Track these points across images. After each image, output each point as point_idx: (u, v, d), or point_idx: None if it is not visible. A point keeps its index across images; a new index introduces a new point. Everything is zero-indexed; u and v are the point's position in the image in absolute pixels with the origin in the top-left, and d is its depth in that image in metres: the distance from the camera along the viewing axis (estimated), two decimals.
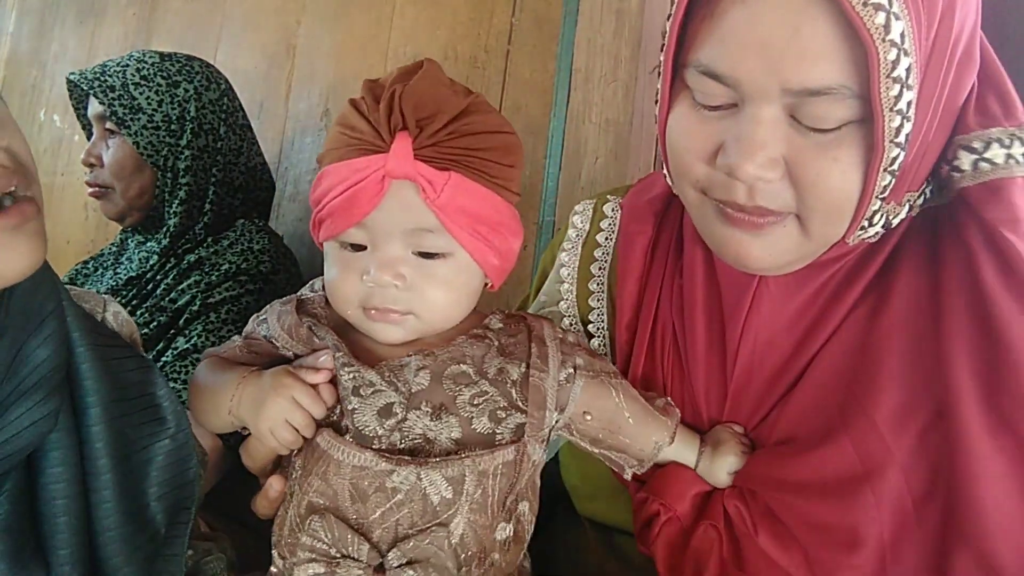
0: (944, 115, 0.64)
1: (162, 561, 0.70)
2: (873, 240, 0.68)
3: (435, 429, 0.66)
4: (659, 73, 0.70)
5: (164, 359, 1.23)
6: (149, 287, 1.33)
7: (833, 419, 0.67)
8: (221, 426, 0.74)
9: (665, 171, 0.74)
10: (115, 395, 0.68)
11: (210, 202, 1.36)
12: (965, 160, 0.64)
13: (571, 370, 0.71)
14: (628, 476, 0.75)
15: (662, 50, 0.68)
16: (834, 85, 0.58)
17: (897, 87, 0.57)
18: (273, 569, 0.69)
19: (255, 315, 0.77)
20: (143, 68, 1.35)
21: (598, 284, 0.86)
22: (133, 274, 1.35)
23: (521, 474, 0.67)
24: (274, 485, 0.69)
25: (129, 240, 1.46)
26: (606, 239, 0.88)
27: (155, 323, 1.26)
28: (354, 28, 1.82)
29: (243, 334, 0.77)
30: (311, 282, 0.79)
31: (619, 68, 1.51)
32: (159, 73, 1.36)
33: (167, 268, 1.34)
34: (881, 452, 0.64)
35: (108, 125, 1.35)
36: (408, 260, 0.67)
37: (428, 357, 0.68)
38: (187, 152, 1.34)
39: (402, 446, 0.65)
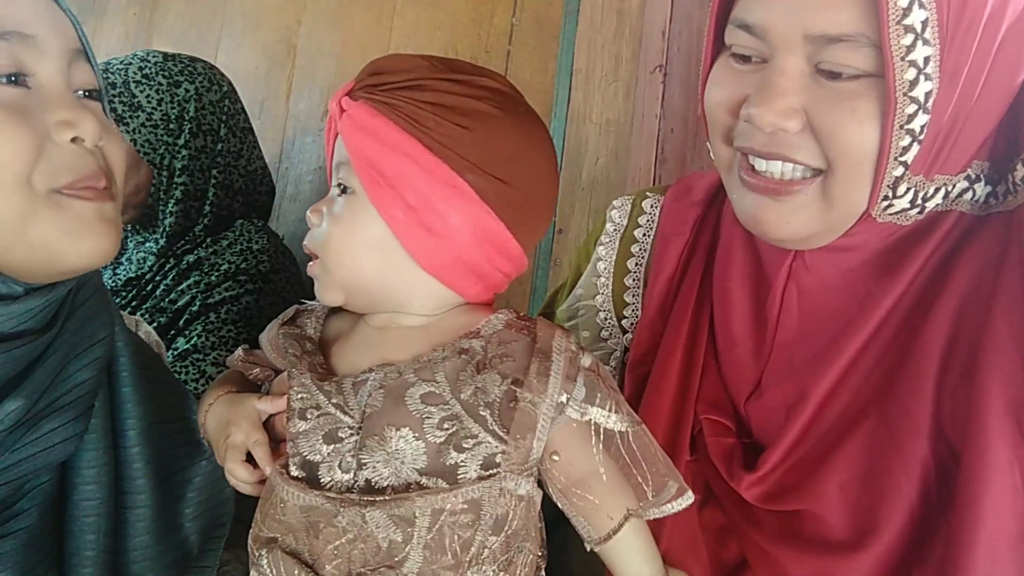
0: (991, 91, 0.63)
1: (193, 572, 0.71)
2: (905, 223, 0.67)
3: (396, 459, 0.59)
4: (705, 36, 0.73)
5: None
6: (148, 288, 1.33)
7: (877, 429, 0.65)
8: (205, 441, 0.73)
9: (708, 138, 0.75)
10: (154, 418, 0.70)
11: (210, 204, 1.36)
12: (1021, 172, 0.64)
13: (564, 398, 0.61)
14: (587, 548, 0.66)
15: (709, 10, 0.72)
16: (852, 32, 0.60)
17: (910, 36, 0.58)
18: None
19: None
20: (145, 67, 1.35)
21: (634, 280, 0.86)
22: (132, 275, 1.35)
23: (498, 514, 0.59)
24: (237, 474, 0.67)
25: (128, 240, 1.46)
26: (644, 235, 0.88)
27: (155, 324, 1.26)
28: (355, 28, 1.82)
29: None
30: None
31: (620, 68, 1.51)
32: (161, 72, 1.35)
33: (166, 269, 1.34)
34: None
35: None
36: (332, 197, 0.66)
37: (391, 375, 0.62)
38: (184, 152, 1.33)
39: (354, 478, 0.60)
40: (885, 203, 0.64)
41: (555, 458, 0.62)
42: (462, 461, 0.59)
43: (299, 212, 1.81)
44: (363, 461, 0.59)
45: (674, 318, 0.79)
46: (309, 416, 0.62)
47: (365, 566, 0.58)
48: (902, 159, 0.62)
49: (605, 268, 0.88)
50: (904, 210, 0.65)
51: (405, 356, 0.63)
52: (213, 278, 1.29)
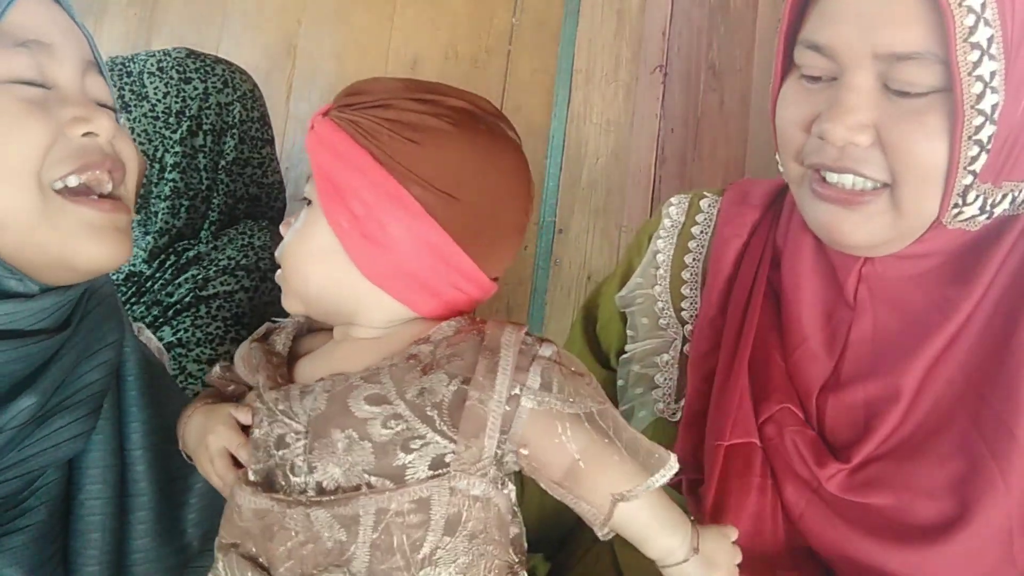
0: None
1: (192, 572, 0.72)
2: (973, 228, 0.69)
3: (345, 460, 0.60)
4: (775, 55, 0.75)
5: None
6: (148, 284, 1.32)
7: (967, 432, 0.66)
8: (185, 454, 0.74)
9: (776, 154, 0.77)
10: (158, 423, 0.72)
11: (217, 211, 1.35)
12: None
13: (518, 390, 0.60)
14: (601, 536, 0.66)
15: (778, 32, 0.74)
16: (920, 50, 0.62)
17: (976, 53, 0.61)
18: None
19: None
20: (165, 60, 1.35)
21: (691, 274, 0.89)
22: (133, 270, 1.35)
23: (451, 514, 0.59)
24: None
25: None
26: (701, 232, 0.90)
27: (149, 317, 1.25)
28: (355, 28, 1.82)
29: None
30: None
31: (620, 68, 1.51)
32: (176, 67, 1.35)
33: (166, 265, 1.33)
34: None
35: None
36: (299, 207, 0.69)
37: (339, 382, 0.62)
38: (178, 148, 1.32)
39: (305, 482, 0.60)
40: (955, 211, 0.66)
41: (524, 452, 0.61)
42: (410, 462, 0.59)
43: None
44: (313, 464, 0.60)
45: (738, 317, 0.81)
46: (262, 423, 0.63)
47: (316, 567, 0.59)
48: (970, 168, 0.64)
49: (664, 260, 0.91)
50: (973, 216, 0.68)
51: (357, 367, 0.64)
52: (211, 272, 1.27)
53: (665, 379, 0.85)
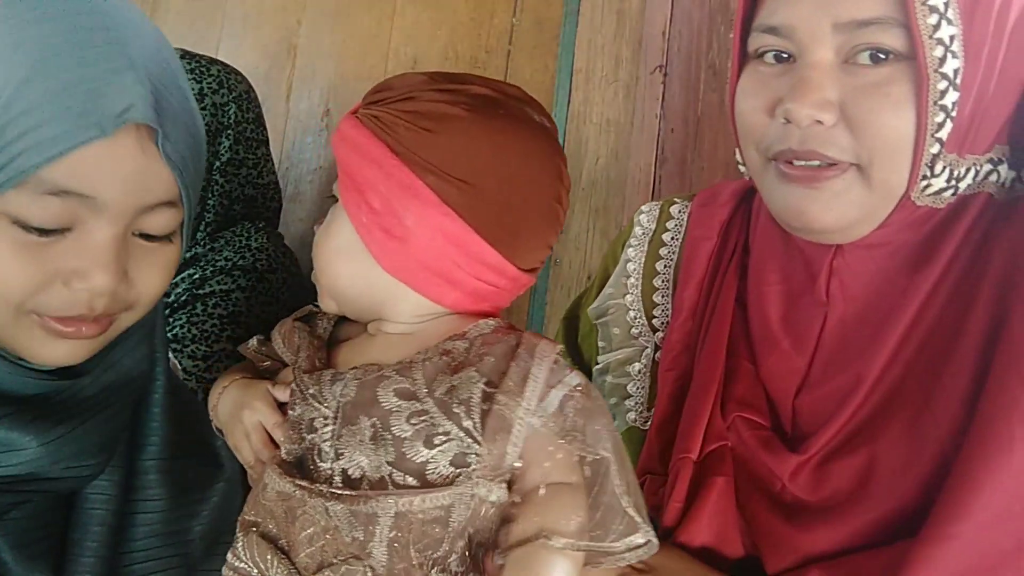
0: (1007, 71, 0.65)
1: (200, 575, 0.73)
2: (939, 205, 0.68)
3: (369, 449, 0.59)
4: (730, 51, 0.76)
5: None
6: None
7: (922, 415, 0.66)
8: (215, 427, 0.75)
9: (737, 148, 0.76)
10: (177, 439, 0.73)
11: (212, 211, 1.35)
12: None
13: (534, 404, 0.59)
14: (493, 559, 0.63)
15: (732, 28, 0.75)
16: (881, 15, 0.63)
17: (935, 16, 0.62)
18: None
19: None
20: None
21: (663, 281, 0.88)
22: None
23: (468, 519, 0.58)
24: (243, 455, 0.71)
25: None
26: (672, 239, 0.90)
27: None
28: (355, 28, 1.82)
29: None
30: None
31: (620, 68, 1.51)
32: None
33: None
34: None
35: None
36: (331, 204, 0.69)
37: (371, 371, 0.62)
38: None
39: (331, 468, 0.60)
40: (924, 183, 0.66)
41: (517, 465, 0.59)
42: (432, 458, 0.58)
43: (300, 212, 1.81)
44: (340, 451, 0.61)
45: (713, 323, 0.80)
46: (296, 406, 0.64)
47: (337, 555, 0.59)
48: (937, 135, 0.64)
49: (635, 269, 0.91)
50: (941, 190, 0.67)
51: (391, 360, 0.64)
52: (208, 272, 1.27)
53: (637, 388, 0.85)
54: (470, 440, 0.58)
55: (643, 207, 0.95)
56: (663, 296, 0.88)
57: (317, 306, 0.73)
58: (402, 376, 0.61)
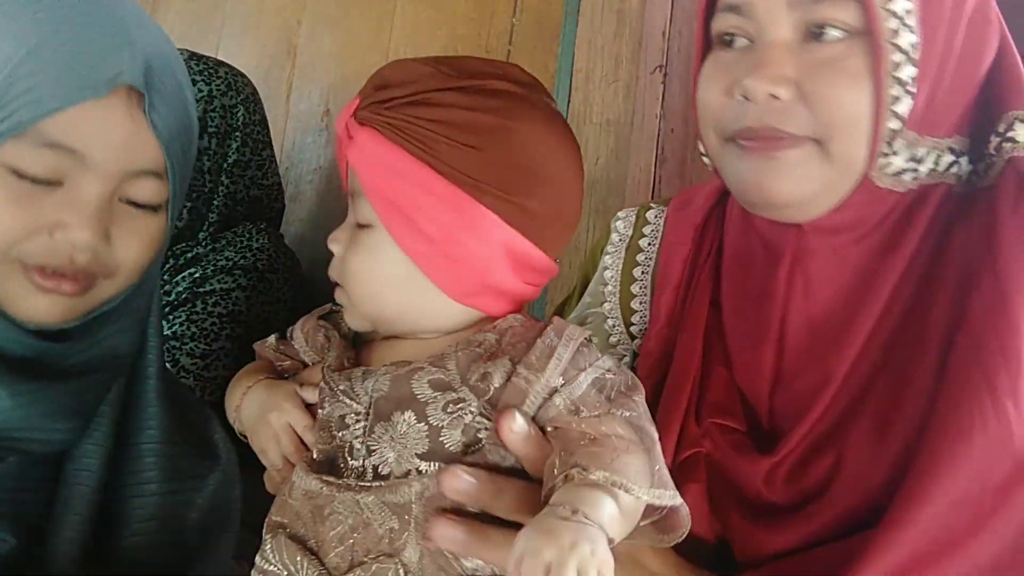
0: (964, 65, 0.66)
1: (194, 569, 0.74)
2: (900, 189, 0.68)
3: (399, 443, 0.59)
4: (694, 41, 0.75)
5: None
6: None
7: (887, 412, 0.66)
8: (237, 431, 0.72)
9: (700, 142, 0.76)
10: (176, 424, 0.75)
11: (216, 212, 1.35)
12: (1021, 132, 0.67)
13: (561, 383, 0.58)
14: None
15: (696, 18, 0.74)
16: None
17: None
18: None
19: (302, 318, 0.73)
20: None
21: (641, 288, 0.88)
22: None
23: None
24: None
25: None
26: (649, 244, 0.90)
27: None
28: (355, 28, 1.82)
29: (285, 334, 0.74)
30: None
31: (620, 68, 1.51)
32: None
33: (164, 267, 1.33)
34: None
35: None
36: (349, 226, 0.65)
37: (403, 367, 0.62)
38: None
39: (363, 465, 0.60)
40: (884, 160, 0.66)
41: (549, 430, 0.59)
42: (471, 447, 0.58)
43: (300, 212, 1.81)
44: (371, 447, 0.60)
45: (687, 330, 0.80)
46: (325, 404, 0.63)
47: (367, 554, 0.58)
48: (895, 109, 0.64)
49: (612, 276, 0.90)
50: (901, 171, 0.67)
51: (422, 356, 0.63)
52: (208, 270, 1.28)
53: None
54: (489, 422, 0.58)
55: (619, 213, 0.94)
56: (641, 303, 0.87)
57: (335, 303, 0.71)
58: (436, 367, 0.60)
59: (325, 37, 1.87)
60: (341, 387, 0.62)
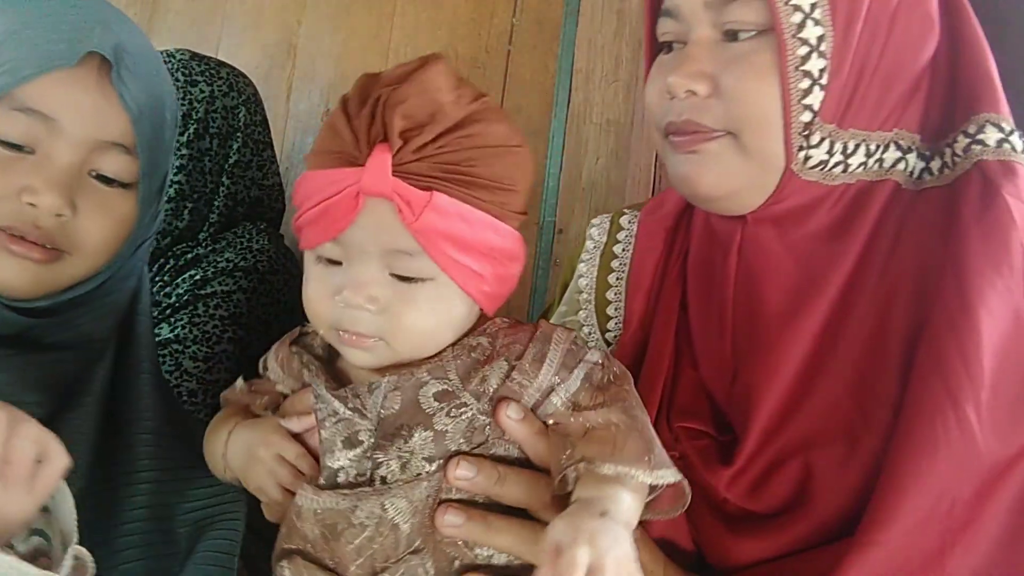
0: (899, 57, 0.67)
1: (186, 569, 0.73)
2: (832, 182, 0.68)
3: (407, 453, 0.60)
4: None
5: None
6: None
7: (852, 419, 0.66)
8: (228, 480, 0.70)
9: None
10: (168, 417, 0.77)
11: (217, 212, 1.35)
12: (991, 136, 0.67)
13: (557, 380, 0.61)
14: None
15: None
16: None
17: None
18: None
19: (265, 354, 0.72)
20: (169, 63, 1.34)
21: (615, 294, 0.88)
22: None
23: None
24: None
25: None
26: (623, 250, 0.90)
27: None
28: (355, 28, 1.82)
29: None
30: None
31: (620, 68, 1.51)
32: (181, 69, 1.35)
33: (165, 268, 1.33)
34: None
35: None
36: (384, 282, 0.60)
37: (404, 378, 0.62)
38: (185, 151, 1.33)
39: (369, 478, 0.61)
40: (802, 154, 0.67)
41: (550, 423, 0.62)
42: (475, 444, 0.61)
43: None
44: (378, 461, 0.61)
45: (656, 332, 0.80)
46: (327, 424, 0.62)
47: (387, 560, 0.59)
48: (805, 102, 0.66)
49: (587, 284, 0.91)
50: (824, 163, 0.68)
51: (417, 360, 0.63)
52: (209, 272, 1.27)
53: None
54: (483, 417, 0.61)
55: (594, 220, 0.95)
56: (616, 309, 0.87)
57: (304, 325, 0.71)
58: (437, 379, 0.62)
59: (325, 37, 1.87)
60: (351, 405, 0.62)
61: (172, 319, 1.23)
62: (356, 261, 0.60)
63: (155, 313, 1.26)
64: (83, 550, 0.57)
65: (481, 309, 0.65)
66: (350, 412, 0.62)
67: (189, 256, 1.33)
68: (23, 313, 0.69)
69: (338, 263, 0.61)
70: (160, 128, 0.74)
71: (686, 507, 0.61)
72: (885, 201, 0.69)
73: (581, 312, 0.90)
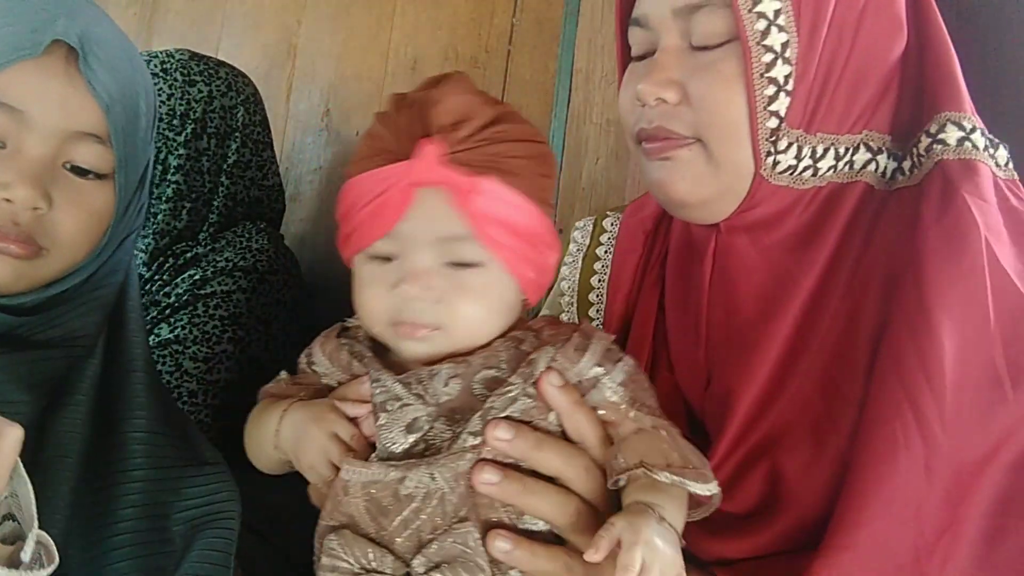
0: (867, 59, 0.68)
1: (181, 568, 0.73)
2: (802, 186, 0.69)
3: (459, 431, 0.62)
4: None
5: None
6: (147, 286, 1.32)
7: (822, 423, 0.65)
8: (271, 465, 0.72)
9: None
10: (163, 418, 0.76)
11: (217, 212, 1.36)
12: (952, 135, 0.67)
13: (601, 372, 0.64)
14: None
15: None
16: None
17: None
18: None
19: (306, 349, 0.73)
20: (167, 62, 1.35)
21: (597, 296, 0.88)
22: None
23: None
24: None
25: None
26: (605, 252, 0.90)
27: (148, 317, 1.25)
28: (355, 28, 1.82)
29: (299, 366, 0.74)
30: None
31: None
32: (180, 69, 1.35)
33: (164, 267, 1.33)
34: None
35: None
36: (439, 271, 0.64)
37: (461, 364, 0.64)
38: (182, 150, 1.32)
39: (422, 451, 0.62)
40: (771, 159, 0.67)
41: (600, 412, 0.64)
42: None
43: (300, 212, 1.81)
44: (431, 442, 0.62)
45: (634, 335, 0.81)
46: (389, 407, 0.64)
47: (434, 531, 0.60)
48: (771, 109, 0.66)
49: (569, 287, 0.91)
50: (793, 168, 0.68)
51: (469, 350, 0.66)
52: (209, 272, 1.28)
53: None
54: (530, 399, 0.63)
55: (578, 223, 0.95)
56: (598, 311, 0.88)
57: (345, 321, 0.73)
58: (490, 367, 0.64)
59: (325, 37, 1.87)
60: (414, 390, 0.64)
61: (172, 319, 1.23)
62: (410, 253, 0.64)
63: (154, 313, 1.26)
64: (45, 535, 0.56)
65: (524, 302, 0.69)
66: (413, 397, 0.63)
67: (189, 256, 1.33)
68: (8, 311, 0.68)
69: (390, 260, 0.65)
70: (135, 117, 0.73)
71: (708, 513, 0.62)
72: (856, 203, 0.69)
73: (563, 314, 0.90)
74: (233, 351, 1.21)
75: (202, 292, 1.25)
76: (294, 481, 0.71)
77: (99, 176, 0.71)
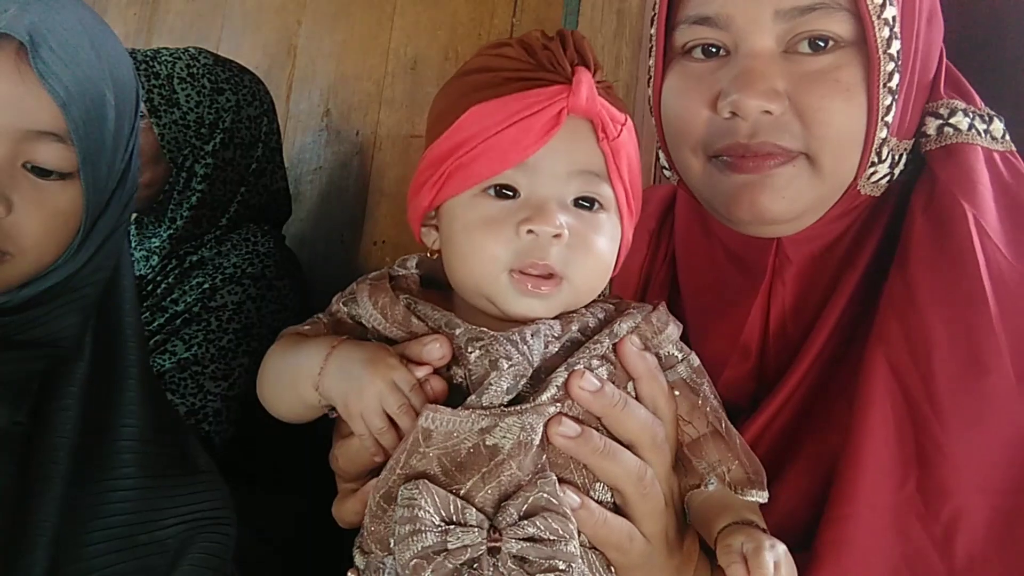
0: (923, 65, 0.66)
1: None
2: (877, 193, 0.68)
3: (542, 385, 0.59)
4: (651, 50, 0.71)
5: (163, 366, 1.21)
6: (150, 288, 1.32)
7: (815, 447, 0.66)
8: (300, 408, 0.65)
9: (663, 154, 0.74)
10: (156, 424, 0.75)
11: (228, 217, 1.36)
12: (931, 125, 0.67)
13: (681, 355, 0.64)
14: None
15: (652, 23, 0.71)
16: (823, 0, 0.61)
17: None
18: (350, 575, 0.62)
19: (339, 293, 0.68)
20: (193, 66, 1.35)
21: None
22: (137, 272, 1.35)
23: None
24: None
25: (131, 236, 1.45)
26: None
27: (155, 323, 1.26)
28: (355, 28, 1.82)
29: (326, 311, 0.68)
30: (402, 259, 0.69)
31: (620, 68, 1.51)
32: (207, 75, 1.35)
33: (168, 269, 1.33)
34: None
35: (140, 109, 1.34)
36: (570, 209, 0.60)
37: (555, 327, 0.61)
38: (210, 160, 1.33)
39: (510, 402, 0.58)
40: (871, 169, 0.65)
41: (676, 392, 0.64)
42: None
43: (300, 212, 1.81)
44: (523, 395, 0.59)
45: None
46: (502, 366, 0.58)
47: (518, 484, 0.56)
48: (886, 119, 0.63)
49: None
50: (883, 177, 0.67)
51: (576, 307, 0.64)
52: (217, 280, 1.28)
53: None
54: (610, 365, 0.62)
55: None
56: None
57: (392, 268, 0.68)
58: (580, 330, 0.63)
59: (325, 37, 1.87)
60: (521, 348, 0.59)
61: (185, 334, 1.24)
62: (545, 186, 0.60)
63: (161, 320, 1.27)
64: None
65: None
66: (520, 356, 0.58)
67: (193, 258, 1.33)
68: None
69: (511, 196, 0.60)
70: (99, 109, 0.69)
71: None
72: (893, 206, 0.69)
73: None
74: (249, 364, 1.22)
75: (213, 304, 1.25)
76: (307, 489, 0.69)
77: (63, 175, 0.68)
